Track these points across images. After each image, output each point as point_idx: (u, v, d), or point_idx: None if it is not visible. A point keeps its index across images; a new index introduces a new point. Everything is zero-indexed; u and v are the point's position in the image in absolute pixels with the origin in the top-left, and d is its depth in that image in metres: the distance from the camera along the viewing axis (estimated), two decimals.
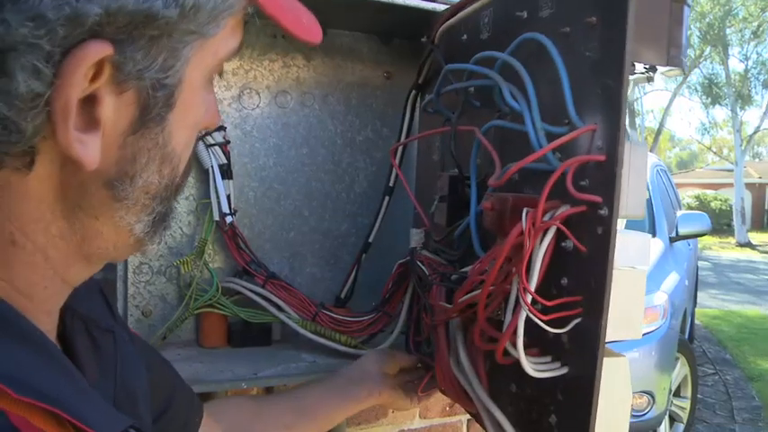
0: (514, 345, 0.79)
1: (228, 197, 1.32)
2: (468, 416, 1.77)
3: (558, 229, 0.78)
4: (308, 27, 0.62)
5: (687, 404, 4.89)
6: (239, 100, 1.41)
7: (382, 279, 1.42)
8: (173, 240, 1.36)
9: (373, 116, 1.52)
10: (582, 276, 0.77)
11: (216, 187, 1.31)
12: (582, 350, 0.77)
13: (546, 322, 0.77)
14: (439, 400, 1.75)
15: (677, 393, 4.84)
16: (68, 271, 0.55)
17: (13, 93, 0.43)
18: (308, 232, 1.49)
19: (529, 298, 0.77)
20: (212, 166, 1.31)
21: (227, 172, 1.32)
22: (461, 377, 0.99)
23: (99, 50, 0.45)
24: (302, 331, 1.30)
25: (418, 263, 1.18)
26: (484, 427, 0.97)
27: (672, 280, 4.69)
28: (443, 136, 1.19)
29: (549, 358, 0.81)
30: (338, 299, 1.45)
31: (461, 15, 1.10)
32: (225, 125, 1.35)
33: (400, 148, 1.40)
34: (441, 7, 1.27)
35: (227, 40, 0.56)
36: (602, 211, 0.74)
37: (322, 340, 1.29)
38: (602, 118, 0.75)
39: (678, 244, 5.33)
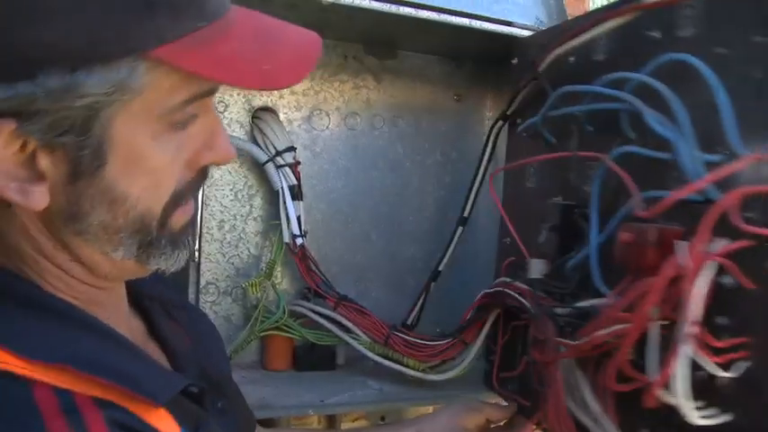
0: (669, 388, 0.74)
1: (299, 218, 1.30)
2: None
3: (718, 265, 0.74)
4: (269, 73, 0.61)
5: None
6: (309, 121, 1.40)
7: (448, 307, 1.42)
8: (240, 261, 1.36)
9: (443, 140, 1.51)
10: (751, 316, 0.73)
11: (286, 209, 1.29)
12: (758, 395, 0.72)
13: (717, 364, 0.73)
14: None
15: None
16: (94, 282, 0.66)
17: None
18: (375, 256, 1.47)
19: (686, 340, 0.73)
20: (282, 188, 1.30)
21: (297, 194, 1.31)
22: (587, 420, 0.94)
23: (3, 127, 0.53)
24: (370, 354, 1.28)
25: (515, 294, 1.14)
26: None
27: None
28: (542, 162, 1.16)
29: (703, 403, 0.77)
30: (404, 324, 1.42)
31: (575, 43, 1.03)
32: (295, 146, 1.34)
33: (478, 178, 1.36)
34: (518, 32, 1.26)
35: (165, 95, 0.58)
36: None
37: (388, 363, 1.27)
38: None
39: None
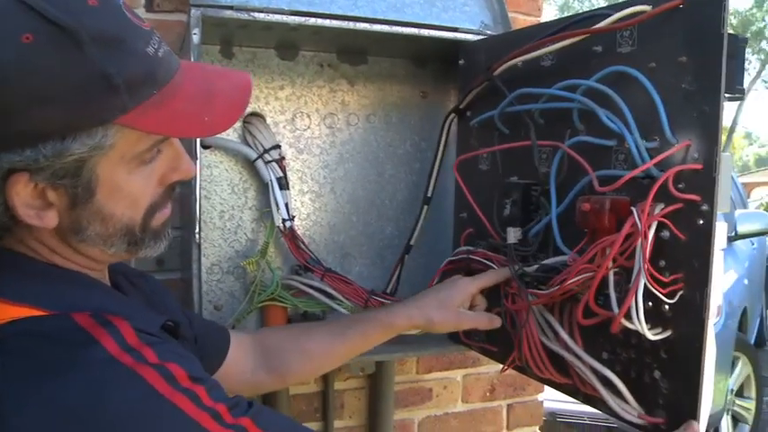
0: (629, 317, 0.98)
1: (287, 205, 1.48)
2: (508, 401, 1.96)
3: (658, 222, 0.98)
4: (208, 123, 0.83)
5: (752, 405, 4.89)
6: (293, 122, 1.58)
7: (422, 275, 1.61)
8: (239, 245, 1.54)
9: (412, 132, 1.68)
10: (682, 258, 0.97)
11: (275, 197, 1.48)
12: (687, 315, 0.97)
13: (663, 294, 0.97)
14: (480, 385, 1.94)
15: (740, 394, 4.85)
16: (90, 264, 0.87)
17: None
18: (356, 236, 1.65)
19: (643, 277, 0.96)
20: (271, 180, 1.48)
21: (284, 184, 1.49)
22: (564, 351, 1.14)
23: (18, 178, 0.74)
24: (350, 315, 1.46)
25: (481, 258, 1.35)
26: (581, 392, 1.16)
27: (728, 279, 4.73)
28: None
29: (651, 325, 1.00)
30: (384, 292, 1.58)
31: (532, 55, 1.23)
32: (280, 144, 1.52)
33: (437, 163, 1.57)
34: (463, 36, 1.44)
35: (133, 145, 0.79)
36: (703, 207, 0.94)
37: None
38: (697, 135, 0.95)
39: (738, 243, 5.33)
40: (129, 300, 0.94)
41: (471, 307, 1.32)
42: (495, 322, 1.29)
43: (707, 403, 3.82)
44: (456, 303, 1.27)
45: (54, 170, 0.75)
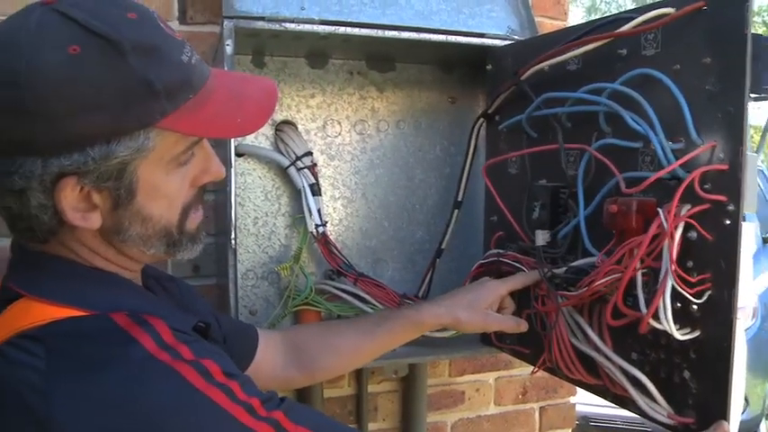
0: (657, 317, 0.99)
1: (319, 211, 1.51)
2: (540, 403, 1.96)
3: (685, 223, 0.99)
4: (241, 124, 0.88)
5: None
6: (324, 129, 1.61)
7: (453, 279, 1.62)
8: (273, 251, 1.57)
9: (441, 137, 1.70)
10: (709, 258, 0.98)
11: (308, 203, 1.50)
12: (716, 315, 0.97)
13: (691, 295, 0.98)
14: (513, 387, 1.94)
15: None
16: (128, 265, 0.92)
17: (31, 206, 0.80)
18: (388, 240, 1.67)
19: (670, 277, 0.97)
20: (303, 186, 1.51)
21: (316, 190, 1.52)
22: (593, 352, 1.15)
23: (69, 181, 0.78)
24: None
25: (511, 261, 1.36)
26: (611, 393, 1.16)
27: (764, 280, 4.67)
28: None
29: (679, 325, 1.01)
30: (416, 296, 1.60)
31: (558, 59, 1.24)
32: (312, 151, 1.55)
33: (466, 167, 1.58)
34: (490, 42, 1.46)
35: (171, 147, 0.84)
36: (729, 207, 0.95)
37: None
38: (723, 136, 0.96)
39: None
40: (161, 301, 1.00)
41: (500, 309, 1.33)
42: (522, 326, 1.30)
43: (737, 404, 3.78)
44: (484, 304, 1.29)
45: (100, 173, 0.80)
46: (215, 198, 1.50)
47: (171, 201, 0.88)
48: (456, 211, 1.61)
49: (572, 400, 2.00)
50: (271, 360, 1.24)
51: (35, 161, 0.77)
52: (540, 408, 1.95)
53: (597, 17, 1.22)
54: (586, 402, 2.16)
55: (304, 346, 1.27)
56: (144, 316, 0.81)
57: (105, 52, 0.76)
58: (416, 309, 1.31)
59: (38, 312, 0.81)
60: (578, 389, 1.79)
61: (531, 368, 1.37)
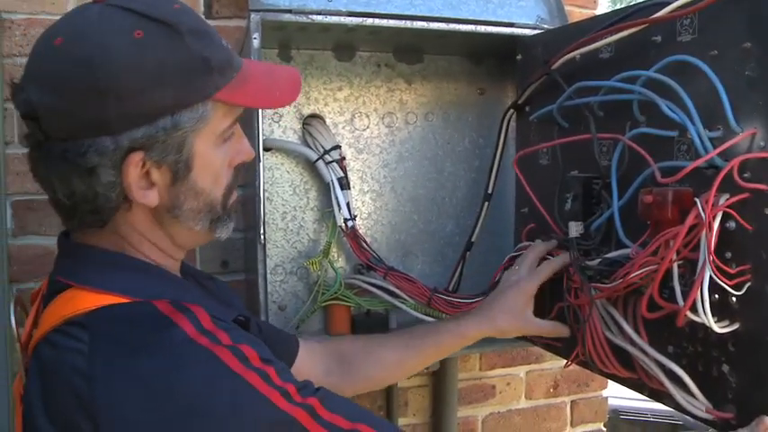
0: (695, 310, 0.96)
1: (348, 205, 1.50)
2: (571, 397, 1.94)
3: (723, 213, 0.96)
4: (280, 97, 0.98)
5: None
6: (352, 122, 1.60)
7: (484, 272, 1.59)
8: (301, 246, 1.56)
9: (470, 129, 1.68)
10: (749, 249, 0.95)
11: (336, 197, 1.50)
12: (756, 307, 0.95)
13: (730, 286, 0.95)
14: (543, 381, 1.92)
15: None
16: (173, 252, 0.97)
17: (101, 184, 0.84)
18: (418, 234, 1.66)
19: (708, 268, 0.94)
20: (332, 180, 1.50)
21: (345, 184, 1.51)
22: (628, 346, 1.12)
23: (136, 157, 0.84)
24: (415, 313, 1.46)
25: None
26: (647, 387, 1.14)
27: None
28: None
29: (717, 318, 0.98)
30: (446, 290, 1.56)
31: (590, 47, 1.21)
32: (340, 144, 1.54)
33: (496, 159, 1.55)
34: (520, 31, 1.44)
35: (220, 121, 0.91)
36: None
37: (431, 320, 1.44)
38: (763, 123, 0.93)
39: None
40: (201, 293, 1.02)
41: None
42: (563, 331, 1.30)
43: None
44: (522, 308, 1.29)
45: (163, 147, 0.86)
46: (243, 193, 1.50)
47: (217, 176, 0.94)
48: (486, 203, 1.58)
49: (604, 393, 1.97)
50: (311, 369, 1.25)
51: (107, 138, 0.82)
52: (572, 401, 1.93)
53: (623, 6, 1.19)
54: (616, 395, 2.13)
55: (348, 356, 1.28)
56: (185, 304, 0.84)
57: (165, 34, 0.84)
58: (458, 322, 1.31)
59: (84, 300, 0.84)
60: (609, 382, 1.77)
61: (563, 361, 1.35)
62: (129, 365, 0.78)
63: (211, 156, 0.92)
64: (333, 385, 1.24)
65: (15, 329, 0.96)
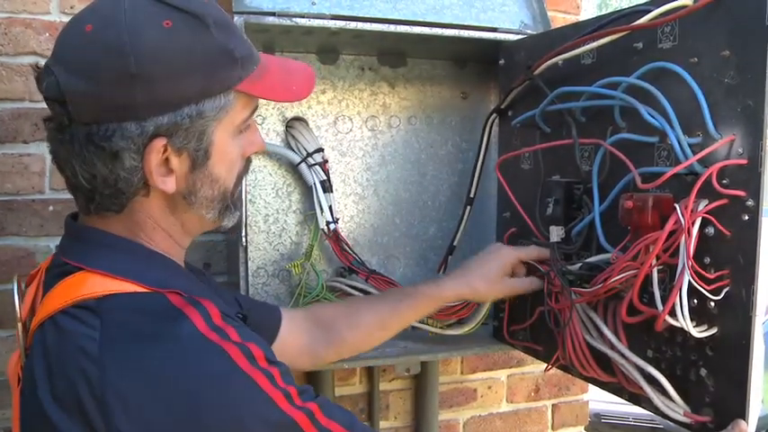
0: (674, 314, 0.97)
1: (330, 208, 1.50)
2: (552, 401, 1.94)
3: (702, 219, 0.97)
4: (296, 91, 1.00)
5: None
6: (335, 125, 1.60)
7: None
8: (284, 248, 1.56)
9: (453, 133, 1.69)
10: (727, 254, 0.97)
11: (319, 200, 1.50)
12: (734, 312, 0.96)
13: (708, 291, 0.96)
14: (525, 385, 1.92)
15: None
16: (181, 240, 0.99)
17: (123, 168, 0.86)
18: (400, 237, 1.66)
19: (687, 274, 0.95)
20: (315, 183, 1.50)
21: (327, 187, 1.51)
22: (608, 350, 1.13)
23: (158, 143, 0.86)
24: None
25: None
26: (626, 390, 1.15)
27: None
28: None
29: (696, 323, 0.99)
30: None
31: (572, 53, 1.22)
32: (323, 147, 1.53)
33: (479, 163, 1.56)
34: (503, 36, 1.45)
35: (240, 112, 0.93)
36: (748, 203, 0.94)
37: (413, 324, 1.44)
38: (742, 130, 0.94)
39: None
40: (205, 287, 1.03)
41: (512, 275, 1.36)
42: (535, 284, 1.33)
43: (756, 403, 3.74)
44: (500, 274, 1.33)
45: (186, 134, 0.88)
46: None
47: (231, 165, 0.96)
48: (468, 207, 1.59)
49: (585, 397, 1.98)
50: (297, 337, 1.28)
51: (133, 123, 0.84)
52: (553, 405, 1.94)
53: (608, 12, 1.20)
54: (598, 399, 2.14)
55: (329, 322, 1.31)
56: (196, 297, 0.86)
57: (193, 25, 0.86)
58: (436, 284, 1.35)
59: (95, 284, 0.86)
60: (590, 386, 1.78)
61: (544, 365, 1.35)
62: (140, 354, 0.80)
63: (229, 145, 0.94)
64: (318, 354, 1.31)
65: (18, 308, 0.95)
